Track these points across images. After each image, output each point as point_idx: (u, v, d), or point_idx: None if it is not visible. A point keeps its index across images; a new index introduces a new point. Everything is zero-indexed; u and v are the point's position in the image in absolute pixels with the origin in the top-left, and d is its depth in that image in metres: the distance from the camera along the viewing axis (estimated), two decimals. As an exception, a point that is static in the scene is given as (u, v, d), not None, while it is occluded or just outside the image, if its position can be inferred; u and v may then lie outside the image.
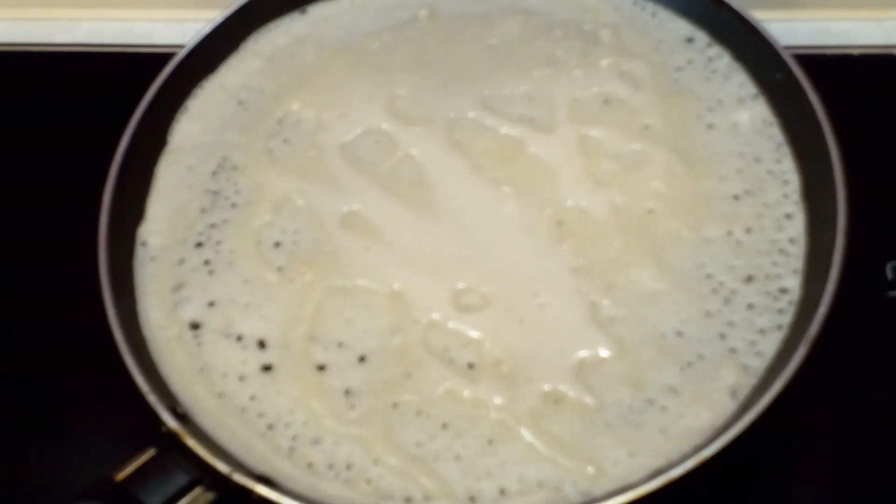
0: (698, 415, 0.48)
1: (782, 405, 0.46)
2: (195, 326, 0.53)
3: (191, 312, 0.53)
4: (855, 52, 0.72)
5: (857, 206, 0.51)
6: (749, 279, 0.52)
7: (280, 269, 0.54)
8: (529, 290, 0.52)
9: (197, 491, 0.47)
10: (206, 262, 0.55)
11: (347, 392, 0.50)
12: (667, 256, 0.53)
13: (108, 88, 0.71)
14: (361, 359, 0.51)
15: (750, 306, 0.51)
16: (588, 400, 0.49)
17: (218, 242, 0.55)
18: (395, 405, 0.49)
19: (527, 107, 0.59)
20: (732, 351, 0.50)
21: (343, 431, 0.49)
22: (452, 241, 0.54)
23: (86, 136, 0.64)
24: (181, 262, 0.55)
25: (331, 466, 0.48)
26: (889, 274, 0.61)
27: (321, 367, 0.51)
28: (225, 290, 0.54)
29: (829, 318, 0.47)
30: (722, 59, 0.60)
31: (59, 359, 0.63)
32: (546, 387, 0.49)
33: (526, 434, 0.48)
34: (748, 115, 0.57)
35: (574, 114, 0.58)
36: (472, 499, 0.47)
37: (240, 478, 0.46)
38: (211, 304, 0.53)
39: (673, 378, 0.49)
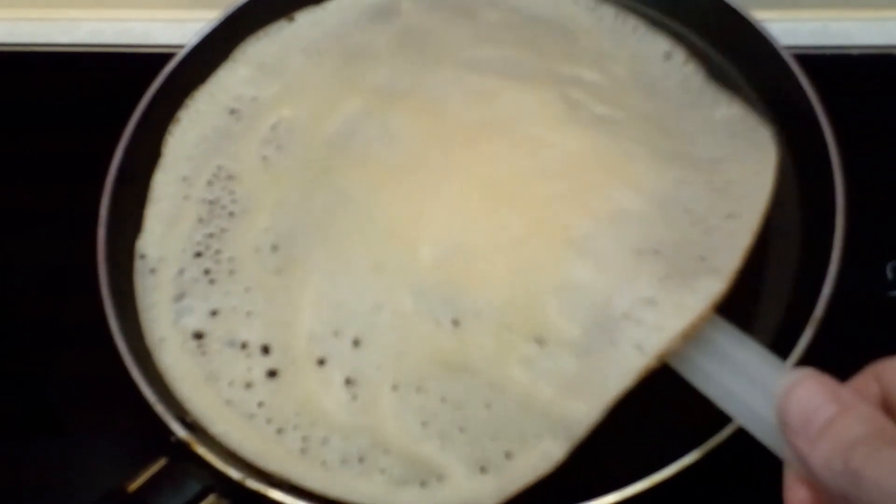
0: None
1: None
2: (198, 336, 0.53)
3: (193, 322, 0.53)
4: (854, 52, 0.72)
5: (856, 206, 0.52)
6: None
7: (278, 272, 0.53)
8: (507, 234, 0.50)
9: (211, 498, 0.47)
10: (206, 272, 0.55)
11: (348, 381, 0.50)
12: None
13: (108, 88, 0.71)
14: (356, 343, 0.50)
15: None
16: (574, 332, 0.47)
17: (217, 252, 0.55)
18: (394, 387, 0.49)
19: (505, 66, 0.57)
20: None
21: (350, 424, 0.49)
22: (433, 203, 0.52)
23: (86, 137, 0.64)
24: (181, 272, 0.55)
25: (344, 462, 0.49)
26: (889, 274, 0.61)
27: (321, 362, 0.50)
28: (226, 299, 0.54)
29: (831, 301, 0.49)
30: (698, 76, 0.58)
31: (63, 363, 0.63)
32: (530, 332, 0.48)
33: (518, 387, 0.47)
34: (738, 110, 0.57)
35: (555, 79, 0.57)
36: (482, 469, 0.47)
37: (253, 483, 0.47)
38: (213, 313, 0.53)
39: None
